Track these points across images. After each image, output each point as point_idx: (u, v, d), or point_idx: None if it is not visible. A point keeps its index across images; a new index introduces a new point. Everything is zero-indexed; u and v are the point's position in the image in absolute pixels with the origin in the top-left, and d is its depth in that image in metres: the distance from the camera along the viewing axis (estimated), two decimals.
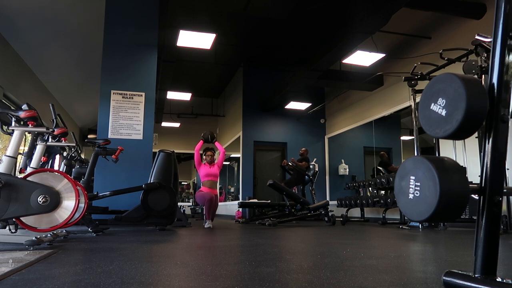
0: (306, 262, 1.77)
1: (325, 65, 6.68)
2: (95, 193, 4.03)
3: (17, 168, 2.88)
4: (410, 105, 5.09)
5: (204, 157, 5.31)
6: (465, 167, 4.71)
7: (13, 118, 2.47)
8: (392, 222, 5.85)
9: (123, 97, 5.33)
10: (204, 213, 5.19)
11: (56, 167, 4.97)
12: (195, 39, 5.95)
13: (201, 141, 5.23)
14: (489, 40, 3.54)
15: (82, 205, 2.64)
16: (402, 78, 4.95)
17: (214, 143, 5.32)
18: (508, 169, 3.89)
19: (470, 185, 0.96)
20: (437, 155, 4.98)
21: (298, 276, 1.36)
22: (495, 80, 1.00)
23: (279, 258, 1.89)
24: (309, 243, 2.82)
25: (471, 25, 5.51)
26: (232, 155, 10.93)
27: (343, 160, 9.18)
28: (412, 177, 0.98)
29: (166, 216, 4.15)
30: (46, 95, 8.24)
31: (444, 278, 1.03)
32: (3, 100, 5.74)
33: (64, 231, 2.98)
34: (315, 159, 8.43)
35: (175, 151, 4.83)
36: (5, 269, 1.41)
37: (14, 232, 2.51)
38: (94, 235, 3.33)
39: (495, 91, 1.00)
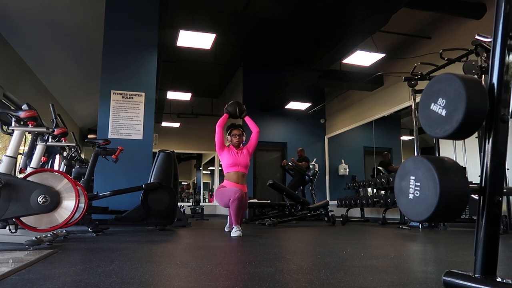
0: (306, 262, 1.77)
1: (325, 65, 6.68)
2: (95, 193, 4.02)
3: (17, 168, 2.88)
4: (410, 105, 5.09)
5: (228, 137, 3.83)
6: (465, 167, 4.71)
7: (13, 118, 2.47)
8: (392, 222, 5.85)
9: (123, 97, 5.33)
10: (228, 215, 3.74)
11: (56, 167, 4.98)
12: (195, 39, 5.95)
13: (225, 114, 3.81)
14: (489, 40, 3.54)
15: (82, 205, 2.64)
16: (402, 78, 4.95)
17: (244, 118, 3.87)
18: (508, 169, 3.89)
19: (470, 185, 0.96)
20: (437, 155, 4.98)
21: (298, 276, 1.36)
22: (495, 80, 1.00)
23: (279, 258, 1.89)
24: (309, 243, 2.82)
25: (471, 25, 5.51)
26: None
27: (343, 160, 9.19)
28: (412, 177, 0.98)
29: (166, 216, 4.15)
30: (46, 95, 8.24)
31: (444, 278, 1.03)
32: (3, 100, 5.76)
33: (64, 231, 2.98)
34: (315, 159, 8.43)
35: (175, 151, 4.82)
36: (5, 269, 1.41)
37: (14, 232, 2.51)
38: (94, 235, 3.33)
39: (495, 91, 1.00)
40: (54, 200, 2.25)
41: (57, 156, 4.89)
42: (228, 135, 3.83)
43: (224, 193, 3.55)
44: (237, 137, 3.76)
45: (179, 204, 5.48)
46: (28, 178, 2.30)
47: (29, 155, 3.00)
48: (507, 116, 0.99)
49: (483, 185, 0.99)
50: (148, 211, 4.06)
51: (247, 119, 3.85)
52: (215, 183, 12.23)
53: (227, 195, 3.48)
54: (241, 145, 3.81)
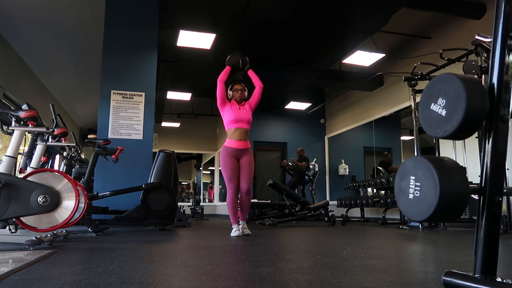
0: (306, 262, 1.77)
1: (325, 65, 6.68)
2: (95, 193, 4.03)
3: (17, 168, 2.88)
4: (410, 105, 5.09)
5: (230, 92, 3.61)
6: (465, 167, 4.71)
7: (13, 118, 2.47)
8: (392, 222, 5.85)
9: (123, 97, 5.33)
10: (228, 211, 3.50)
11: (56, 167, 4.97)
12: (195, 39, 5.95)
13: (227, 67, 3.60)
14: (489, 40, 3.54)
15: (82, 205, 2.64)
16: (402, 78, 4.95)
17: (247, 72, 3.67)
18: (508, 169, 3.89)
19: (470, 185, 0.96)
20: (437, 155, 4.98)
21: (298, 276, 1.36)
22: (495, 80, 1.00)
23: (279, 258, 1.89)
24: (309, 243, 2.82)
25: (471, 25, 5.51)
26: None
27: (343, 160, 9.18)
28: (412, 177, 0.98)
29: (166, 216, 4.16)
30: (46, 95, 8.24)
31: (444, 278, 1.03)
32: (3, 100, 5.75)
33: (64, 231, 2.98)
34: (315, 159, 8.43)
35: (175, 151, 4.83)
36: (5, 269, 1.41)
37: (14, 232, 2.51)
38: (94, 235, 3.33)
39: (495, 91, 1.00)
40: (54, 200, 2.25)
41: (57, 156, 4.89)
42: (230, 90, 3.62)
43: (225, 164, 3.44)
44: (239, 92, 3.57)
45: (179, 204, 5.48)
46: (28, 178, 2.30)
47: (29, 155, 3.00)
48: (507, 116, 0.99)
49: (483, 185, 0.99)
50: (148, 211, 4.06)
51: (251, 73, 3.64)
52: (215, 183, 12.23)
53: (227, 175, 3.43)
54: (244, 100, 3.63)
